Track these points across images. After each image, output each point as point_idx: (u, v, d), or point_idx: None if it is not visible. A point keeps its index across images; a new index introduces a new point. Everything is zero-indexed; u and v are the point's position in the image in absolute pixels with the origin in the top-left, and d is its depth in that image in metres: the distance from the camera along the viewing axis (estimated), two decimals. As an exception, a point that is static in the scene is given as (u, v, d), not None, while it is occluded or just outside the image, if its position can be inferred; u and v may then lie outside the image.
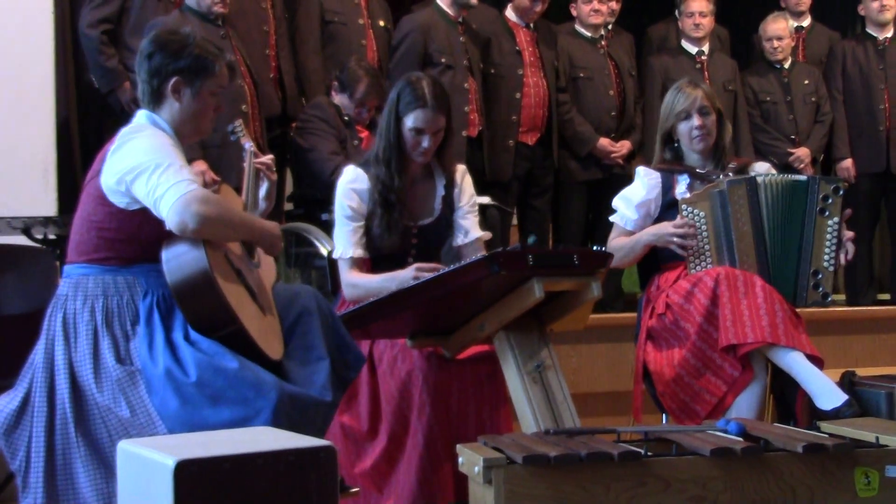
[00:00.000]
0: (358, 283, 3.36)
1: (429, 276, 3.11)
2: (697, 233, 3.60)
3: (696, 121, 3.68)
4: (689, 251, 3.59)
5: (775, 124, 5.96)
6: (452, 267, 3.04)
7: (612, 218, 3.80)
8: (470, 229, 3.52)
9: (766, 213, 3.59)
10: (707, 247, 3.60)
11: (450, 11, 5.22)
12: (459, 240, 3.51)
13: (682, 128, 3.72)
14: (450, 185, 3.51)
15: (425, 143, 3.36)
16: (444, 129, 3.41)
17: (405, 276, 3.25)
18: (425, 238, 3.46)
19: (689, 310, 3.45)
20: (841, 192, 3.60)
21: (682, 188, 3.70)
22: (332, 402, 2.73)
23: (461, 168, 3.57)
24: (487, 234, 3.60)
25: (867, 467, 2.58)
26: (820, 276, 3.58)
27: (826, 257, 3.58)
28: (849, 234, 3.62)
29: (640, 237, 3.69)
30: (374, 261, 3.43)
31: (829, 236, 3.58)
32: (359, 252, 3.38)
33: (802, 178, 3.67)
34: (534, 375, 3.07)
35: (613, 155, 5.60)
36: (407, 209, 3.40)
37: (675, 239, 3.60)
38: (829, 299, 3.61)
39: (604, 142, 5.59)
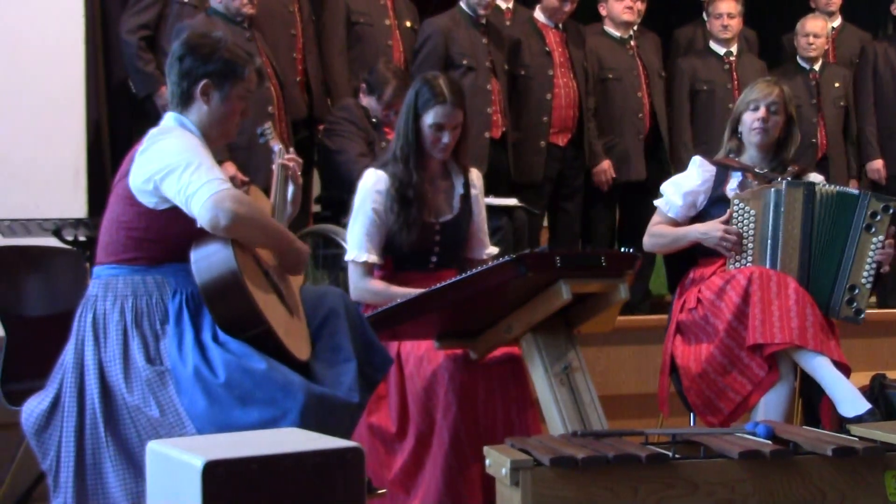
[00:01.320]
0: (374, 290, 3.36)
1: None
2: (744, 231, 3.58)
3: (761, 112, 3.68)
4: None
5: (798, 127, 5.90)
6: (480, 269, 3.05)
7: (656, 202, 3.80)
8: (486, 243, 3.60)
9: (816, 221, 3.57)
10: (750, 245, 3.58)
11: (471, 14, 5.22)
12: (475, 253, 3.56)
13: (747, 117, 3.72)
14: (467, 184, 3.53)
15: (445, 138, 3.38)
16: (461, 125, 3.43)
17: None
18: (447, 235, 3.47)
19: (719, 306, 3.45)
20: (891, 211, 3.57)
21: (733, 184, 3.69)
22: (360, 403, 2.74)
23: (475, 171, 3.61)
24: (495, 250, 3.65)
25: (898, 471, 2.56)
26: (856, 291, 3.55)
27: (865, 274, 3.56)
28: (889, 250, 3.59)
29: (687, 232, 3.69)
30: (397, 260, 3.44)
31: (871, 253, 3.56)
32: (373, 258, 3.39)
33: (854, 191, 3.66)
34: (561, 377, 3.06)
35: (602, 180, 5.56)
36: (427, 207, 3.42)
37: (722, 243, 3.58)
38: (862, 317, 3.58)
39: (605, 165, 5.54)
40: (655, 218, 3.78)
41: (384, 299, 3.29)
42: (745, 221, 3.59)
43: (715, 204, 3.69)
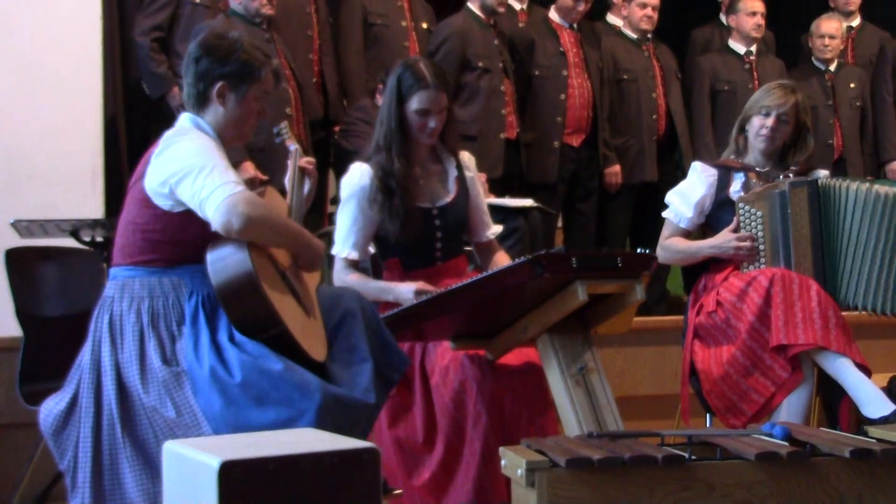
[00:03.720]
0: (351, 284, 3.33)
1: (428, 296, 3.11)
2: (753, 233, 3.57)
3: (769, 122, 3.66)
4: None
5: (813, 129, 5.88)
6: (496, 269, 3.05)
7: (665, 214, 3.78)
8: (487, 224, 3.57)
9: (824, 218, 3.54)
10: (762, 247, 3.57)
11: (482, 15, 5.22)
12: (480, 236, 3.55)
13: (756, 121, 3.70)
14: (460, 166, 3.51)
15: (432, 123, 3.36)
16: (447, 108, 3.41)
17: (404, 292, 3.25)
18: (448, 219, 3.44)
19: (741, 308, 3.43)
20: None
21: (736, 186, 3.68)
22: (376, 403, 2.74)
23: (466, 154, 3.58)
24: (499, 228, 3.63)
25: (916, 473, 2.55)
26: None
27: None
28: None
29: (701, 248, 3.68)
30: (404, 260, 3.42)
31: None
32: (354, 254, 3.38)
33: (864, 184, 3.57)
34: (577, 378, 3.06)
35: (612, 182, 5.58)
36: (417, 193, 3.39)
37: (739, 252, 3.58)
38: None
39: (615, 168, 5.56)
40: (666, 231, 3.77)
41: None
42: (753, 224, 3.57)
43: (721, 207, 3.68)
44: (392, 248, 3.42)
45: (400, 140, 3.36)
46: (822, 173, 3.77)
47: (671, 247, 3.72)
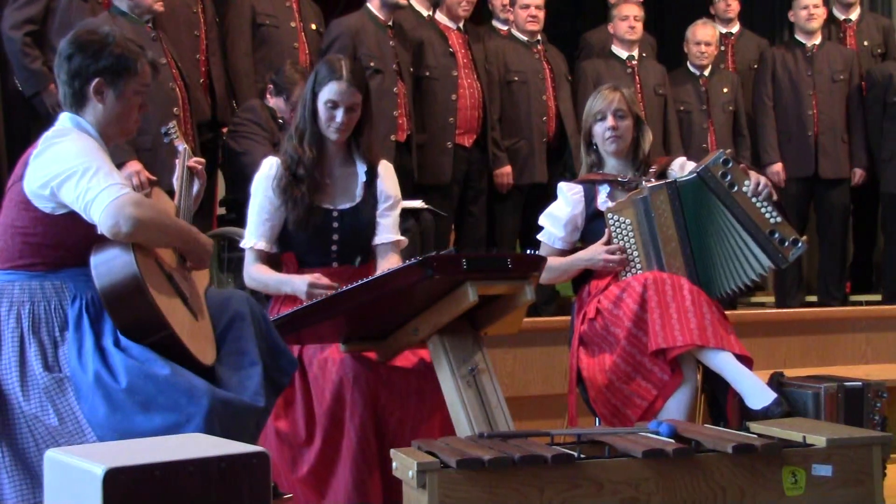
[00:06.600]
0: (256, 278, 3.44)
1: (322, 294, 3.15)
2: (625, 241, 3.63)
3: (609, 122, 3.72)
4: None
5: (688, 133, 6.05)
6: (386, 271, 3.04)
7: (539, 236, 3.83)
8: (389, 229, 3.53)
9: (688, 214, 3.62)
10: (636, 253, 3.64)
11: (380, 15, 5.22)
12: (376, 238, 3.52)
13: (598, 129, 3.77)
14: (371, 173, 3.50)
15: (339, 117, 3.37)
16: (361, 110, 3.41)
17: (298, 285, 3.30)
18: (347, 223, 3.44)
19: (618, 315, 3.48)
20: (729, 163, 3.61)
21: (603, 198, 3.74)
22: (265, 407, 2.71)
23: (385, 162, 3.58)
24: (404, 241, 3.61)
25: (794, 466, 2.63)
26: (776, 234, 3.58)
27: (768, 215, 3.59)
28: (761, 179, 3.63)
29: (573, 262, 3.72)
30: (299, 254, 3.42)
31: (754, 200, 3.60)
32: (261, 245, 3.41)
33: (692, 176, 3.66)
34: (468, 379, 3.07)
35: (502, 183, 5.63)
36: (322, 191, 3.40)
37: (609, 264, 3.63)
38: (801, 244, 3.61)
39: (507, 169, 5.60)
40: (541, 252, 3.77)
41: (263, 286, 3.40)
42: (624, 232, 3.64)
43: (593, 220, 3.74)
44: (290, 243, 3.43)
45: (312, 131, 3.39)
46: (678, 163, 3.85)
47: (548, 266, 3.76)
